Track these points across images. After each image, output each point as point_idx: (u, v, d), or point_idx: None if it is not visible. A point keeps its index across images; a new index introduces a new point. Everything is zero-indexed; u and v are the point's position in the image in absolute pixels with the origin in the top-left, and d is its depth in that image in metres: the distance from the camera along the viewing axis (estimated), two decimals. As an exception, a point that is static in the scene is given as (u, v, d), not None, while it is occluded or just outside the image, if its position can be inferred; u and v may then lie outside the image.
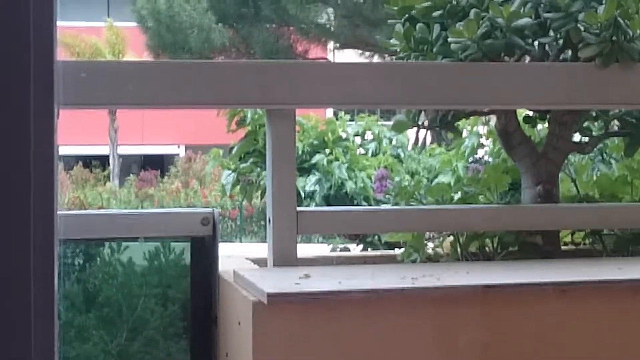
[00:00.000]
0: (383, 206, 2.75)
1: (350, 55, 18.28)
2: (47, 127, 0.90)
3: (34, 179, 0.89)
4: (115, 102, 2.33)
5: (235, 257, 2.37)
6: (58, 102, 0.92)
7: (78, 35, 22.07)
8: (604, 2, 2.23)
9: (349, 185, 6.82)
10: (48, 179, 0.90)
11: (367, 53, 17.76)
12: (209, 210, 2.18)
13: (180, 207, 16.43)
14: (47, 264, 0.89)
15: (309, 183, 6.66)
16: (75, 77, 2.01)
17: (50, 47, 0.91)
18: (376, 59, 17.36)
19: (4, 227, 0.89)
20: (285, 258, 2.15)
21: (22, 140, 0.89)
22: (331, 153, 6.75)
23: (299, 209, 2.19)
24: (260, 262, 2.25)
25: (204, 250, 2.16)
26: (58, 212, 0.91)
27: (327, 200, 6.75)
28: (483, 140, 5.88)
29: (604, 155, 3.36)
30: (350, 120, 8.09)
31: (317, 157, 6.65)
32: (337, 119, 7.47)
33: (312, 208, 3.47)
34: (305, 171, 6.64)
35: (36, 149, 0.89)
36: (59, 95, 0.92)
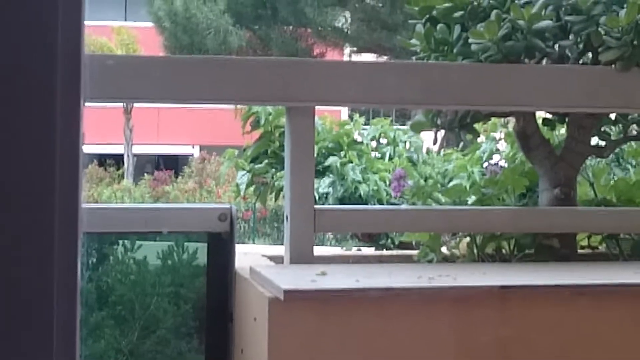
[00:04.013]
0: (401, 206, 2.75)
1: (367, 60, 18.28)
2: (73, 117, 0.90)
3: (60, 171, 0.89)
4: (135, 96, 2.33)
5: (251, 254, 2.37)
6: (85, 94, 0.92)
7: (90, 35, 22.13)
8: (625, 6, 2.22)
9: (363, 189, 6.80)
10: (73, 170, 0.90)
11: (384, 57, 17.76)
12: (227, 205, 2.18)
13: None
14: (71, 256, 0.89)
15: (322, 185, 6.65)
16: (101, 70, 2.01)
17: (77, 40, 0.91)
18: (392, 63, 17.32)
19: (28, 220, 0.89)
20: (301, 255, 2.15)
21: (48, 129, 0.89)
22: (345, 156, 6.73)
23: (316, 207, 2.19)
24: (277, 260, 2.25)
25: (221, 246, 2.16)
26: (82, 205, 0.91)
27: (341, 203, 6.74)
28: (499, 145, 5.86)
29: (621, 161, 3.34)
30: (365, 124, 8.07)
31: (331, 160, 6.65)
32: (351, 121, 7.45)
33: (330, 206, 3.47)
34: (319, 173, 6.63)
35: (63, 138, 0.89)
36: (85, 87, 0.92)
